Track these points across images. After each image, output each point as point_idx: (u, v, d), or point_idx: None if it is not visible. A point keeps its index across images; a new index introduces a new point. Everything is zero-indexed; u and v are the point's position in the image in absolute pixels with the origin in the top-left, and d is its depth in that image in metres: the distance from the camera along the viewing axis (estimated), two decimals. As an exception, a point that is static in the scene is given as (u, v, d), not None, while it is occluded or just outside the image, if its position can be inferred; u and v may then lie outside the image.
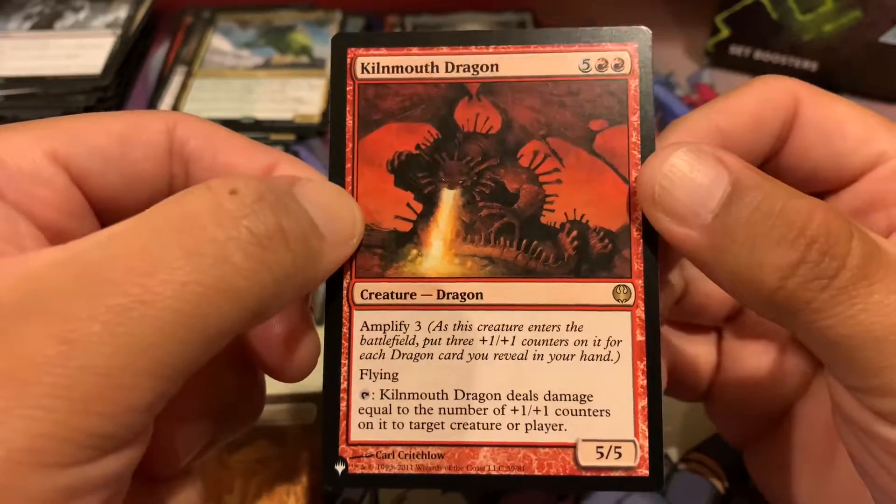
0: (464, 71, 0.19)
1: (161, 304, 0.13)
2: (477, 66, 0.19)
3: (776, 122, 0.19)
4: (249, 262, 0.14)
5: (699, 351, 0.24)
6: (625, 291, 0.18)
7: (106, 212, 0.18)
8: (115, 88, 0.40)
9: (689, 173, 0.16)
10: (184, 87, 0.42)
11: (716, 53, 0.43)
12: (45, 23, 0.43)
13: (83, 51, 0.41)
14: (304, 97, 0.42)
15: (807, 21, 0.39)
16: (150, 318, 0.13)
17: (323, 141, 0.40)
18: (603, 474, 0.18)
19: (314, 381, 0.30)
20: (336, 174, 0.18)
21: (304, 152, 0.39)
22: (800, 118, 0.19)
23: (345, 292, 0.18)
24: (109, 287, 0.13)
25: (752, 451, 0.24)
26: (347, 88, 0.19)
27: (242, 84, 0.42)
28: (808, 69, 0.41)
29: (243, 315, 0.14)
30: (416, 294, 0.18)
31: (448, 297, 0.18)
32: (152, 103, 0.42)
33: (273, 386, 0.29)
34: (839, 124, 0.19)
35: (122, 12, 0.44)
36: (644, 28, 0.19)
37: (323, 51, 0.45)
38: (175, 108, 0.41)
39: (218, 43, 0.45)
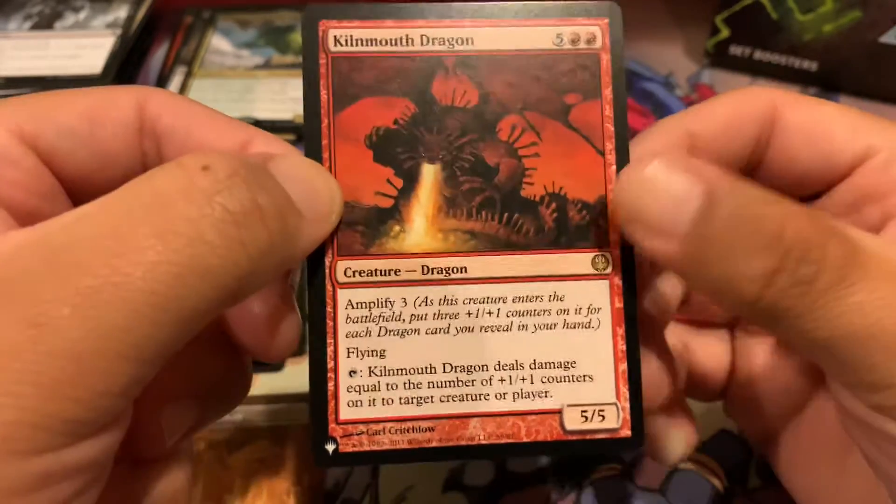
0: (439, 44, 0.18)
1: (132, 286, 0.13)
2: (452, 39, 0.18)
3: (751, 127, 0.19)
4: (224, 240, 0.14)
5: (713, 351, 0.24)
6: (603, 261, 0.18)
7: (78, 191, 0.17)
8: (115, 88, 0.40)
9: (662, 185, 0.16)
10: (184, 88, 0.42)
11: (716, 53, 0.43)
12: (45, 23, 0.43)
13: (83, 51, 0.41)
14: (304, 97, 0.42)
15: (807, 21, 0.39)
16: (120, 299, 0.13)
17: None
18: (588, 437, 0.18)
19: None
20: (312, 151, 0.18)
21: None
22: (781, 124, 0.19)
23: (327, 271, 0.18)
24: (79, 269, 0.13)
25: (774, 447, 0.24)
26: (320, 62, 0.18)
27: (242, 84, 0.42)
28: (808, 69, 0.41)
29: (219, 294, 0.14)
30: (400, 270, 0.18)
31: (433, 273, 0.18)
32: (152, 103, 0.42)
33: (273, 386, 0.29)
34: (823, 125, 0.19)
35: (122, 12, 0.44)
36: (614, 3, 0.19)
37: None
38: (175, 108, 0.41)
39: (218, 43, 0.45)
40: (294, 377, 0.30)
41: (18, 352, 0.12)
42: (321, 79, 0.18)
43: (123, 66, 0.42)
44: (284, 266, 0.16)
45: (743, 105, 0.19)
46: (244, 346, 0.18)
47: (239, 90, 0.42)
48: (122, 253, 0.13)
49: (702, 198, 0.16)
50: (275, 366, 0.30)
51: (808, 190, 0.20)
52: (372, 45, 0.18)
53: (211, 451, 0.27)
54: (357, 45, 0.18)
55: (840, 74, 0.41)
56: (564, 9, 0.19)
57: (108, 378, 0.13)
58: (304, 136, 0.18)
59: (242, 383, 0.20)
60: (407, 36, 0.18)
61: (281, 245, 0.15)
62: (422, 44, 0.18)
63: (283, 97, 0.42)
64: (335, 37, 0.18)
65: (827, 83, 0.42)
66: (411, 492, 0.26)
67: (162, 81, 0.43)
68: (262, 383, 0.29)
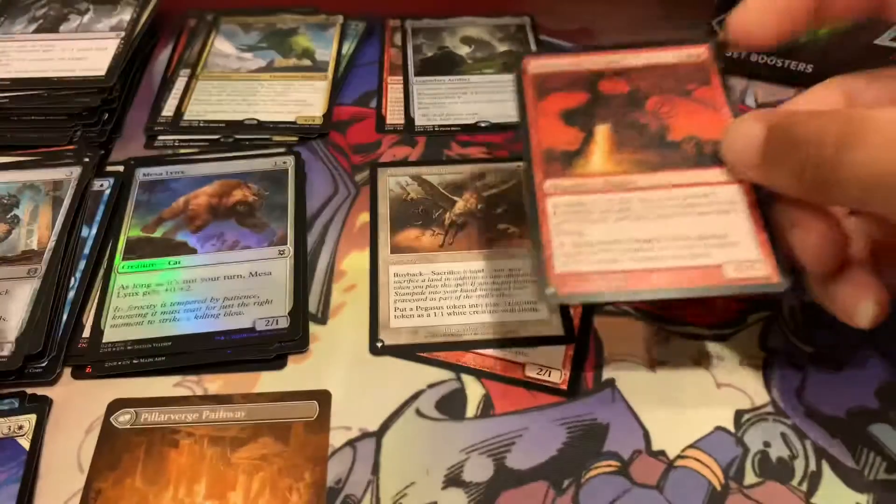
0: (602, 65, 0.29)
1: None
2: (609, 62, 0.29)
3: None
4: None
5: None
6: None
7: None
8: (119, 90, 0.41)
9: (743, 136, 0.24)
10: (187, 90, 0.43)
11: (713, 56, 0.43)
12: (50, 25, 0.44)
13: (88, 53, 0.42)
14: (307, 99, 0.42)
15: (803, 24, 0.40)
16: None
17: (325, 142, 0.40)
18: (745, 282, 0.24)
19: (315, 380, 0.30)
20: (523, 122, 0.28)
21: (306, 153, 0.39)
22: None
23: (539, 185, 0.26)
24: None
25: None
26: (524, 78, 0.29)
27: (245, 86, 0.43)
28: (804, 71, 0.41)
29: None
30: (587, 184, 0.26)
31: (611, 185, 0.26)
32: (156, 105, 0.42)
33: (276, 385, 0.29)
34: None
35: (126, 15, 0.44)
36: (712, 40, 0.29)
37: (324, 54, 0.45)
38: (178, 110, 0.41)
39: (221, 46, 0.46)
40: (296, 375, 0.30)
41: None
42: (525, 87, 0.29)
43: (127, 69, 0.42)
44: None
45: None
46: None
47: (242, 92, 0.42)
48: None
49: (763, 135, 0.23)
50: (277, 364, 0.30)
51: None
52: (559, 67, 0.29)
53: (214, 448, 0.27)
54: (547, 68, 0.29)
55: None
56: (676, 41, 0.29)
57: None
58: (518, 112, 0.28)
59: None
60: (580, 62, 0.29)
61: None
62: (590, 65, 0.29)
63: (285, 99, 0.42)
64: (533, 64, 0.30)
65: (823, 85, 0.42)
66: (412, 488, 0.27)
67: (166, 84, 0.43)
68: (265, 381, 0.30)
